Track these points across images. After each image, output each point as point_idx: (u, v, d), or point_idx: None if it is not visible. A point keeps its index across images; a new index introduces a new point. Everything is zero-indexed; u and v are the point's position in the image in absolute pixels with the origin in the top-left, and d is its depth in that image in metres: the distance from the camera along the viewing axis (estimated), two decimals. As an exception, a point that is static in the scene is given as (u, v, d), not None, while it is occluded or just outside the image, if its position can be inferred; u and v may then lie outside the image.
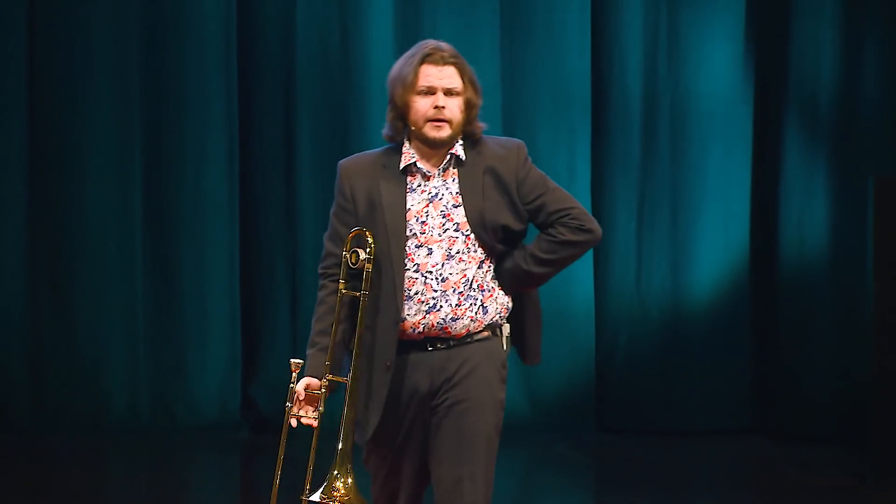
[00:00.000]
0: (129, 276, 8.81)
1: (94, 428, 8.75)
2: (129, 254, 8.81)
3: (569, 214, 4.13)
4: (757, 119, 8.81)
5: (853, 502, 7.25)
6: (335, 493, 3.93)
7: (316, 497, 3.93)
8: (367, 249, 4.01)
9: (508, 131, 8.80)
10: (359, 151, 4.36)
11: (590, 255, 8.76)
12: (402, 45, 8.73)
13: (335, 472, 3.94)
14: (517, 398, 8.76)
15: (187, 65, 8.78)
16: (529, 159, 4.18)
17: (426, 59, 4.09)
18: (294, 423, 4.05)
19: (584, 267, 8.73)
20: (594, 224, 4.16)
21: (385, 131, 4.20)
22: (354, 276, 4.07)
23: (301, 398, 4.02)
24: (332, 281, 4.11)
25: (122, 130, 8.80)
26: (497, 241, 4.11)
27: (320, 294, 4.15)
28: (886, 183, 7.90)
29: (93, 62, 8.74)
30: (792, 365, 8.69)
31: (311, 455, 3.99)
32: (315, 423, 4.02)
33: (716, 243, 8.79)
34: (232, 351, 8.89)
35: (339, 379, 4.03)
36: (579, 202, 4.19)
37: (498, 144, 4.18)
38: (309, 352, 4.10)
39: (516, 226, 4.13)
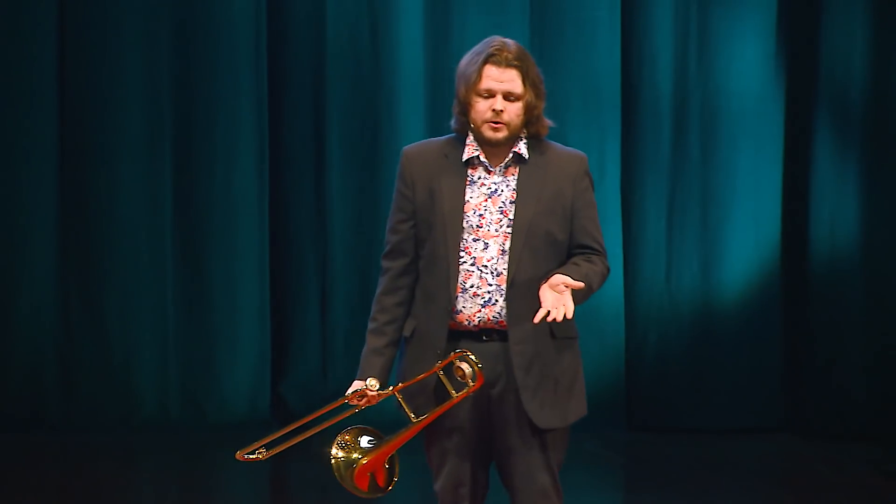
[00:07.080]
0: (159, 273, 8.83)
1: (125, 425, 8.77)
2: (160, 252, 8.83)
3: (590, 260, 4.22)
4: (788, 116, 8.78)
5: (887, 502, 7.21)
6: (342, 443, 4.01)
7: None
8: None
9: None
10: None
11: (620, 253, 8.75)
12: (432, 44, 8.78)
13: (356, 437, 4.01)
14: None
15: (217, 63, 8.79)
16: (590, 175, 4.24)
17: (489, 59, 4.09)
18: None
19: (613, 264, 8.64)
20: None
21: (452, 122, 4.20)
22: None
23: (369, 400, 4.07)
24: (393, 267, 4.16)
25: (152, 129, 8.82)
26: (538, 244, 4.11)
27: (384, 295, 4.18)
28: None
29: (123, 61, 8.76)
30: (824, 362, 8.66)
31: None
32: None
33: (746, 240, 8.76)
34: (262, 348, 8.90)
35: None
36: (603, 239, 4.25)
37: (562, 151, 4.24)
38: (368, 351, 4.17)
39: (560, 235, 4.15)
